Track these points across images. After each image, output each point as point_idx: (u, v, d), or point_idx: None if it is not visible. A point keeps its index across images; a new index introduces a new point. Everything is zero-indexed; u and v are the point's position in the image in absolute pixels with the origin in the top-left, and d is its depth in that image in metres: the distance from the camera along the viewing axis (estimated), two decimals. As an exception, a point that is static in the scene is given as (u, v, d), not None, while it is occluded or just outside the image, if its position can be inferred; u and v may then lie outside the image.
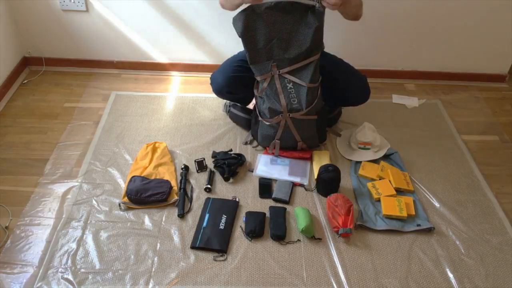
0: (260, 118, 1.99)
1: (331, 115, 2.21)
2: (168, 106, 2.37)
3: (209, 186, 1.88)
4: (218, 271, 1.59)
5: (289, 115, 1.90)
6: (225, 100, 2.29)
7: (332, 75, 1.98)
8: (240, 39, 1.87)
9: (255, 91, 1.97)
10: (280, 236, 1.70)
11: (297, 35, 1.79)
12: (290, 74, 1.83)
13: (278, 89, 1.86)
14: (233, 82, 2.00)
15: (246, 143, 2.14)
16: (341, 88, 2.02)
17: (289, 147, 2.04)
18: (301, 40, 1.80)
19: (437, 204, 1.88)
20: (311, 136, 2.02)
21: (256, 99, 2.01)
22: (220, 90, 2.07)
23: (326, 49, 2.06)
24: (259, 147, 2.12)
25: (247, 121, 2.16)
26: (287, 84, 1.84)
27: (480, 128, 2.36)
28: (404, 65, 2.65)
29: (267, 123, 1.96)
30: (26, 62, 2.59)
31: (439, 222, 1.80)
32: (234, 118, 2.23)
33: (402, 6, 2.38)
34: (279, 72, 1.83)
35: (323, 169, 1.87)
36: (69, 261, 1.59)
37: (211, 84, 2.08)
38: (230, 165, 1.93)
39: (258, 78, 1.88)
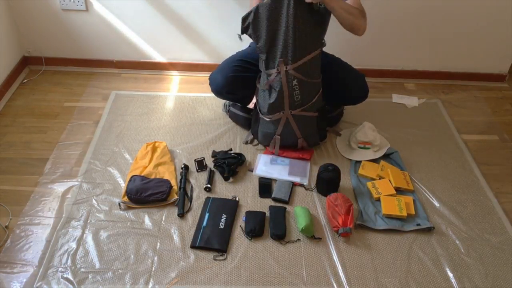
0: (260, 115, 1.99)
1: (332, 115, 2.21)
2: (168, 106, 2.37)
3: (209, 185, 1.88)
4: (218, 270, 1.59)
5: (291, 112, 1.90)
6: (224, 100, 2.29)
7: (332, 73, 1.99)
8: (238, 39, 1.87)
9: (257, 84, 1.96)
10: (280, 235, 1.70)
11: (302, 30, 1.79)
12: (295, 70, 1.82)
13: (283, 85, 1.85)
14: (233, 82, 2.00)
15: (246, 143, 2.13)
16: (340, 86, 2.02)
17: (289, 144, 2.04)
18: (306, 35, 1.79)
19: (437, 204, 1.88)
20: (311, 134, 2.02)
21: (257, 95, 2.00)
22: (219, 90, 2.06)
23: (327, 49, 2.06)
24: (260, 146, 2.12)
25: (247, 120, 2.16)
26: (293, 81, 1.84)
27: (480, 127, 2.36)
28: (404, 64, 2.65)
29: (268, 119, 1.96)
30: (26, 62, 2.59)
31: (439, 222, 1.80)
32: (233, 117, 2.23)
33: (402, 6, 2.38)
34: (286, 68, 1.83)
35: (323, 169, 1.87)
36: (69, 261, 1.59)
37: (210, 84, 2.08)
38: (230, 165, 1.93)
39: (267, 72, 1.87)
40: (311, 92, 1.89)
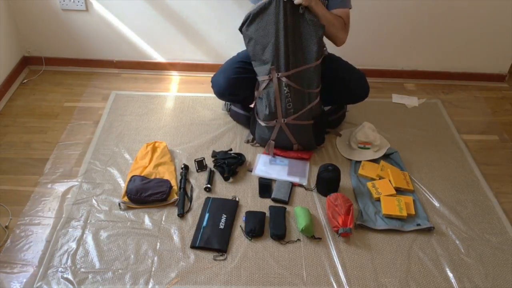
0: (257, 119, 1.99)
1: (334, 117, 2.20)
2: (168, 106, 2.37)
3: (209, 185, 1.88)
4: (218, 270, 1.59)
5: (284, 120, 1.90)
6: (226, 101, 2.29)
7: (332, 72, 1.98)
8: (239, 38, 1.87)
9: (256, 92, 1.96)
10: (280, 235, 1.70)
11: (300, 40, 1.80)
12: (288, 78, 1.83)
13: (275, 92, 1.86)
14: (235, 84, 2.00)
15: (247, 141, 2.14)
16: (340, 85, 2.02)
17: (284, 148, 2.04)
18: (300, 45, 1.81)
19: (436, 204, 1.88)
20: (306, 141, 2.02)
21: (255, 100, 2.01)
22: (222, 92, 2.06)
23: (327, 48, 2.06)
24: (260, 146, 2.12)
25: (247, 119, 2.16)
26: (284, 88, 1.84)
27: (480, 127, 2.36)
28: (404, 64, 2.65)
29: (263, 124, 1.96)
30: (26, 62, 2.59)
31: (438, 222, 1.80)
32: (234, 116, 2.23)
33: (402, 6, 2.38)
34: (277, 75, 1.83)
35: (323, 169, 1.87)
36: (69, 261, 1.59)
37: (213, 87, 2.08)
38: (230, 165, 1.93)
39: (259, 79, 1.88)
40: (304, 101, 1.88)
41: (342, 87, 2.03)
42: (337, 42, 1.89)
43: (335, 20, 1.81)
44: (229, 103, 2.25)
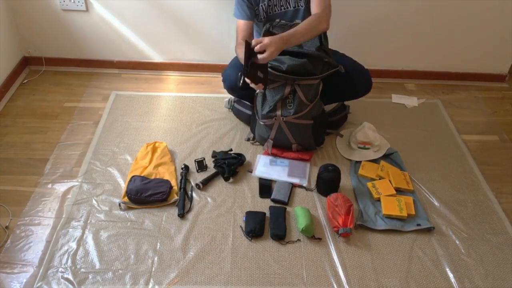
0: (257, 117, 1.99)
1: (335, 118, 2.20)
2: (168, 106, 2.37)
3: (200, 183, 1.87)
4: (218, 270, 1.59)
5: (283, 118, 1.90)
6: (228, 96, 2.28)
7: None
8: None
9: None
10: (280, 236, 1.70)
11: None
12: (299, 86, 1.85)
13: (279, 93, 1.87)
14: None
15: (248, 140, 2.14)
16: (345, 79, 1.99)
17: (283, 147, 2.05)
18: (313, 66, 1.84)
19: (437, 204, 1.88)
20: (306, 141, 2.02)
21: (255, 97, 2.01)
22: (234, 87, 2.05)
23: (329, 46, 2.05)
24: (261, 146, 2.11)
25: (249, 118, 2.16)
26: (291, 94, 1.86)
27: (480, 128, 2.36)
28: (404, 64, 2.65)
29: (262, 123, 1.96)
30: (26, 62, 2.59)
31: (439, 222, 1.80)
32: (237, 113, 2.24)
33: (402, 6, 2.38)
34: (292, 82, 1.85)
35: (323, 169, 1.87)
36: (69, 261, 1.59)
37: (224, 81, 2.07)
38: (230, 165, 1.93)
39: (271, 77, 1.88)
40: (305, 103, 1.88)
41: (347, 82, 2.01)
42: (322, 31, 1.85)
43: (311, 25, 1.77)
44: (232, 100, 2.25)
